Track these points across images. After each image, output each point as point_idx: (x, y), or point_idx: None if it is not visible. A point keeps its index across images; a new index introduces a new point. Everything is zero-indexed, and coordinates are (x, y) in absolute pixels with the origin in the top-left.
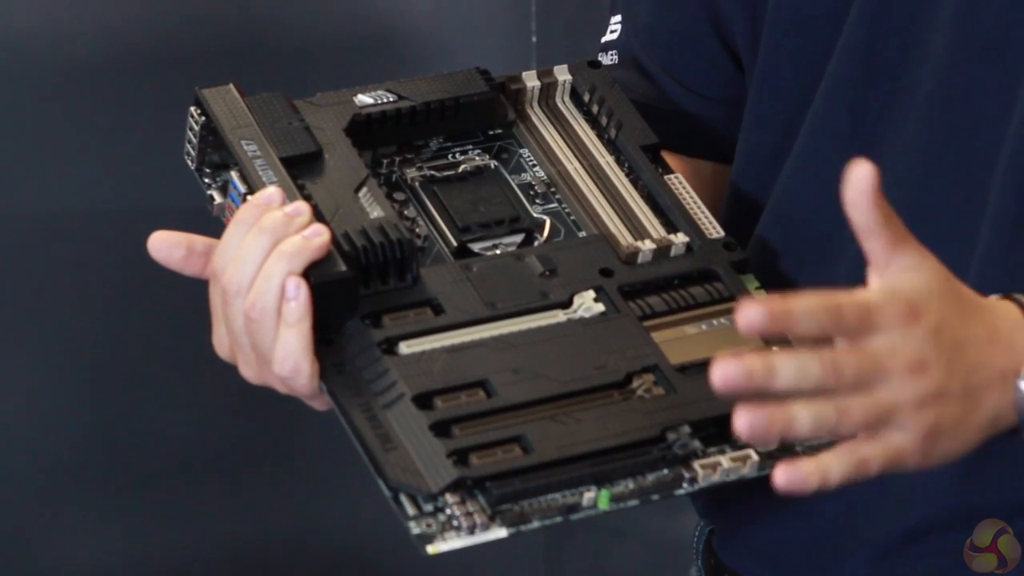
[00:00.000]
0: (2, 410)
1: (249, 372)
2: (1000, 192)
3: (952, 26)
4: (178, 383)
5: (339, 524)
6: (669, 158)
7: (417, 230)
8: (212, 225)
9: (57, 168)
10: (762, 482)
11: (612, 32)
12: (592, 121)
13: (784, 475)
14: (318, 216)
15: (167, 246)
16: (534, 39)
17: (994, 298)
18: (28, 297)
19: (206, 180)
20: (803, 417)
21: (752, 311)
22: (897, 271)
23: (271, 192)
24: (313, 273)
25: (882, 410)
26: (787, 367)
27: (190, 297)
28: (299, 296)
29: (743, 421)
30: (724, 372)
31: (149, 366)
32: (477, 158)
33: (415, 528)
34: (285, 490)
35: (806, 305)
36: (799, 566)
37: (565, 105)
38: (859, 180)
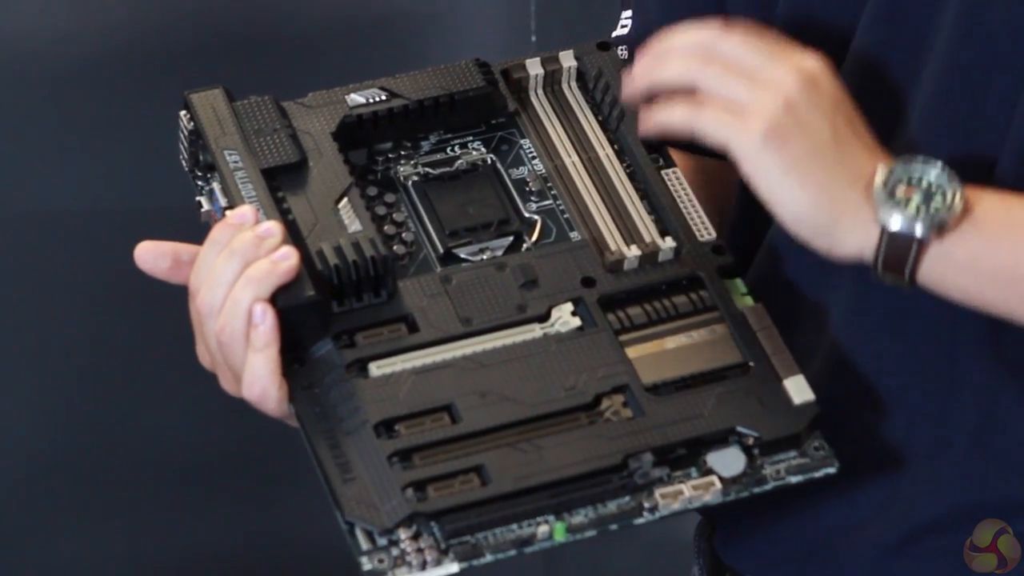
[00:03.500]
0: (0, 410)
1: (228, 387)
2: None
3: (954, 28)
4: (177, 383)
5: (337, 525)
6: (676, 155)
7: (404, 235)
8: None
9: (55, 168)
10: None
11: (623, 27)
12: (596, 108)
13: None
14: (295, 231)
15: (153, 257)
16: (534, 39)
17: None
18: (26, 297)
19: (199, 183)
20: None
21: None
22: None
23: (244, 211)
24: (281, 297)
25: (752, 76)
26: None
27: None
28: (265, 322)
29: None
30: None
31: (147, 366)
32: (475, 152)
33: (366, 564)
34: (284, 491)
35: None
36: (800, 566)
37: (571, 90)
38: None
